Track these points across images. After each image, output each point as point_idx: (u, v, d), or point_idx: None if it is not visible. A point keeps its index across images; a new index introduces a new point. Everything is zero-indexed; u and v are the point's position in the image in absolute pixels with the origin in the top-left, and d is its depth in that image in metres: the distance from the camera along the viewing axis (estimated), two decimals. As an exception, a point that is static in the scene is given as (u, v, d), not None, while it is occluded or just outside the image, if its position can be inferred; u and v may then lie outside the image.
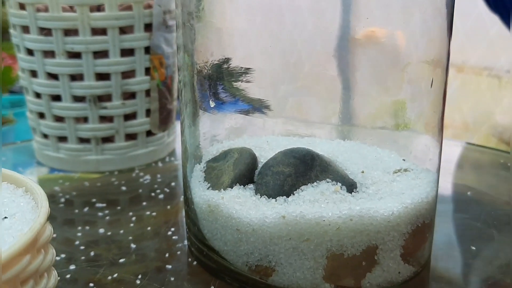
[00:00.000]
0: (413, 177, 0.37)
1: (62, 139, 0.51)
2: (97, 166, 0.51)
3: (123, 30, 0.48)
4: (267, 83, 0.40)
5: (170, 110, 0.54)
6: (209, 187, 0.36)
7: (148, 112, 0.51)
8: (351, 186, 0.35)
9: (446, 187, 0.49)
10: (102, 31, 0.47)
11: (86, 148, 0.50)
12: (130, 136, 0.51)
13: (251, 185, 0.36)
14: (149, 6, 0.49)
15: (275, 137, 0.43)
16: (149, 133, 0.52)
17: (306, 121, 0.43)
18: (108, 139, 0.51)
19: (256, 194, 0.35)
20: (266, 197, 0.34)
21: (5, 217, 0.24)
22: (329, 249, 0.32)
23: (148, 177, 0.50)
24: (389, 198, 0.34)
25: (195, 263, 0.37)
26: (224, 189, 0.35)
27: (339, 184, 0.35)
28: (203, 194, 0.36)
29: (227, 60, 0.38)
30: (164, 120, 0.53)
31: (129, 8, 0.48)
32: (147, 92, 0.51)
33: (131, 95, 0.50)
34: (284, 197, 0.34)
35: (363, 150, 0.41)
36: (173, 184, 0.49)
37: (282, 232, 0.32)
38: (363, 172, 0.37)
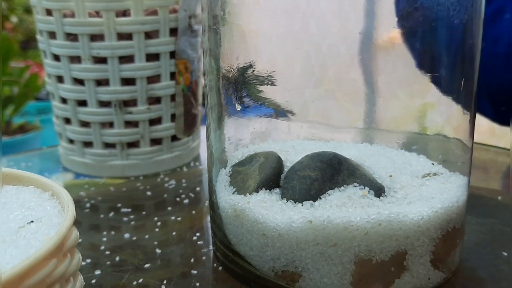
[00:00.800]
0: (443, 181, 0.36)
1: (88, 144, 0.51)
2: (122, 171, 0.51)
3: (148, 35, 0.48)
4: (291, 87, 0.39)
5: (195, 115, 0.54)
6: (234, 192, 0.36)
7: (173, 117, 0.51)
8: (379, 190, 0.34)
9: (475, 191, 0.48)
10: (128, 36, 0.47)
11: (112, 153, 0.51)
12: (155, 141, 0.51)
13: (277, 190, 0.35)
14: (174, 11, 0.49)
15: (301, 141, 0.43)
16: (174, 138, 0.52)
17: (331, 125, 0.43)
18: (133, 144, 0.51)
19: (282, 199, 0.34)
20: (293, 201, 0.34)
21: (32, 221, 0.24)
22: (357, 255, 0.32)
23: (173, 182, 0.50)
24: (419, 203, 0.33)
25: (220, 268, 0.37)
26: (250, 194, 0.35)
27: (367, 188, 0.34)
28: (228, 199, 0.35)
29: (251, 65, 0.37)
30: (189, 125, 0.53)
31: (154, 13, 0.48)
32: (172, 97, 0.51)
33: (156, 100, 0.50)
34: (311, 201, 0.33)
35: (390, 153, 0.41)
36: (198, 189, 0.49)
37: (309, 237, 0.32)
38: (391, 176, 0.36)
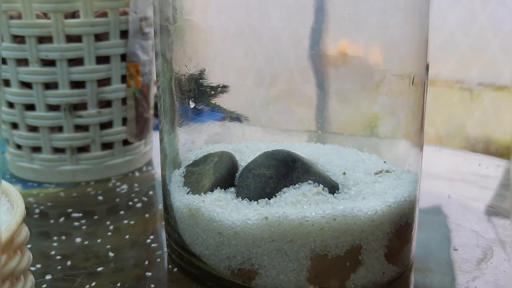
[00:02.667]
0: (395, 178, 0.36)
1: (36, 149, 0.50)
2: (73, 177, 0.50)
3: (98, 37, 0.47)
4: (242, 95, 0.40)
5: (147, 118, 0.53)
6: (189, 192, 0.36)
7: (124, 121, 0.51)
8: (333, 188, 0.35)
9: (425, 190, 0.49)
10: (77, 38, 0.47)
11: (61, 158, 0.49)
12: (106, 146, 0.51)
13: (232, 189, 0.35)
14: (125, 13, 0.48)
15: (255, 142, 0.43)
16: (125, 142, 0.52)
17: (285, 129, 0.43)
18: (83, 149, 0.50)
19: (237, 197, 0.34)
20: (248, 199, 0.34)
21: (-21, 219, 0.23)
22: (312, 250, 0.32)
23: (125, 186, 0.49)
24: (372, 198, 0.34)
25: (175, 270, 0.36)
26: (204, 193, 0.35)
27: (321, 185, 0.34)
28: (183, 198, 0.35)
29: (201, 72, 0.37)
30: (141, 129, 0.52)
31: (104, 14, 0.47)
32: (123, 101, 0.50)
33: (107, 104, 0.49)
34: (266, 199, 0.33)
35: (343, 153, 0.41)
36: (150, 193, 0.48)
37: (265, 233, 0.32)
38: (344, 173, 0.37)
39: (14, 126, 0.50)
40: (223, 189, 0.35)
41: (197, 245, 0.34)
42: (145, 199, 0.47)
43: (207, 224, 0.33)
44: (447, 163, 0.57)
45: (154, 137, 0.57)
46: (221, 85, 0.38)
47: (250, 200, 0.34)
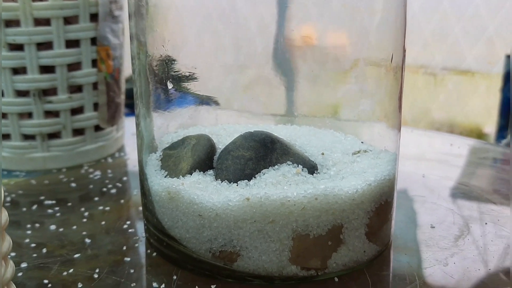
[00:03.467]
0: (373, 157, 0.36)
1: (5, 136, 0.48)
2: (43, 164, 0.49)
3: (67, 21, 0.46)
4: (212, 80, 0.39)
5: (118, 103, 0.52)
6: (166, 175, 0.35)
7: (96, 106, 0.50)
8: (312, 168, 0.35)
9: (400, 170, 0.49)
10: (46, 22, 0.45)
11: (32, 145, 0.48)
12: (78, 132, 0.49)
13: (210, 171, 0.35)
14: (94, -4, 0.47)
15: (231, 125, 0.42)
16: (97, 128, 0.51)
17: (258, 113, 0.43)
18: (54, 135, 0.49)
19: (216, 180, 0.34)
20: (228, 181, 0.33)
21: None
22: (294, 230, 0.32)
23: (98, 173, 0.49)
24: (352, 177, 0.34)
25: (154, 254, 0.36)
26: (183, 176, 0.34)
27: (300, 166, 0.34)
28: (161, 182, 0.34)
29: (171, 59, 0.37)
30: (113, 114, 0.51)
31: (73, -3, 0.46)
32: (95, 85, 0.49)
33: (77, 89, 0.48)
34: (246, 181, 0.33)
35: (320, 134, 0.41)
36: (124, 178, 0.48)
37: (246, 214, 0.31)
38: (323, 154, 0.37)
39: (-19, 113, 0.49)
40: (202, 172, 0.35)
41: (177, 229, 0.34)
42: (119, 185, 0.46)
43: (187, 207, 0.33)
44: (420, 144, 0.57)
45: (126, 122, 0.56)
46: (191, 73, 0.38)
47: (230, 182, 0.33)
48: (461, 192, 0.45)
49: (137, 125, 0.38)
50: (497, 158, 0.53)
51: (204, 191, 0.33)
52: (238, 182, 0.33)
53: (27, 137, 0.48)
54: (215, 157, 0.36)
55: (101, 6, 0.47)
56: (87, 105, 0.49)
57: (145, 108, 0.38)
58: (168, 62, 0.37)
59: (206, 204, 0.32)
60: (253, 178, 0.33)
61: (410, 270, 0.34)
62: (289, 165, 0.34)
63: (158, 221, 0.35)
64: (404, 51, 0.36)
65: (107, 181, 0.47)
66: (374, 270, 0.34)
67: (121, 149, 0.55)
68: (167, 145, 0.38)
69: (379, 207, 0.34)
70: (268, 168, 0.34)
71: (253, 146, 0.35)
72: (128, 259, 0.35)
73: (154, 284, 0.32)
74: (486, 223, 0.39)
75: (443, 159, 0.52)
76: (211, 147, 0.36)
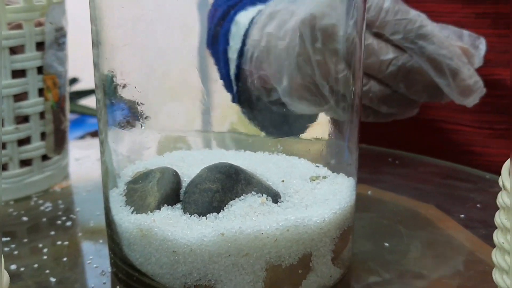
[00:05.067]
0: (331, 183, 0.38)
1: None
2: (-10, 197, 0.47)
3: (13, 50, 0.45)
4: (143, 94, 0.39)
5: (64, 131, 0.51)
6: (133, 211, 0.35)
7: (43, 135, 0.49)
8: (275, 196, 0.36)
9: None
10: (-10, 52, 0.44)
11: (-23, 179, 0.47)
12: (25, 162, 0.48)
13: (178, 205, 0.35)
14: (40, 24, 0.46)
15: (189, 152, 0.43)
16: (44, 158, 0.50)
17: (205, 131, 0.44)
18: (1, 167, 0.47)
19: (185, 213, 0.34)
20: (197, 215, 0.34)
21: None
22: (268, 261, 0.33)
23: (48, 204, 0.48)
24: (316, 206, 0.35)
25: (124, 290, 0.36)
26: (151, 211, 0.35)
27: (264, 195, 0.35)
28: (131, 218, 0.35)
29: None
30: (59, 142, 0.51)
31: (19, 26, 0.45)
32: (41, 115, 0.48)
33: (24, 119, 0.47)
34: (215, 213, 0.34)
35: (275, 159, 0.42)
36: (77, 209, 0.47)
37: (221, 249, 0.32)
38: (283, 181, 0.38)
39: None
40: (170, 206, 0.35)
41: (149, 265, 0.34)
42: (73, 216, 0.46)
43: (160, 243, 0.33)
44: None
45: (70, 150, 0.55)
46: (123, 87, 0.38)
47: (199, 216, 0.34)
48: (406, 207, 0.47)
49: (102, 152, 0.38)
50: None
51: (177, 227, 0.33)
52: (207, 216, 0.34)
53: (-28, 170, 0.47)
54: (182, 190, 0.36)
55: (47, 35, 0.47)
56: (34, 135, 0.48)
57: (104, 135, 0.38)
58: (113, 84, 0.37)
59: (181, 241, 0.33)
60: (221, 210, 0.34)
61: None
62: (254, 195, 0.35)
63: (127, 256, 0.36)
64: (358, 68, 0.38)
65: (59, 213, 0.46)
66: (341, 294, 0.36)
67: (67, 177, 0.54)
68: (129, 178, 0.39)
69: (343, 232, 0.36)
70: (234, 200, 0.35)
71: (219, 178, 0.35)
72: (99, 297, 0.35)
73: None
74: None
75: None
76: (177, 180, 0.37)
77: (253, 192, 0.35)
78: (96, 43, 0.36)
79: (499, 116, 0.59)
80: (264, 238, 0.32)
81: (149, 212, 0.35)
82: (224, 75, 0.46)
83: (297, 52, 0.47)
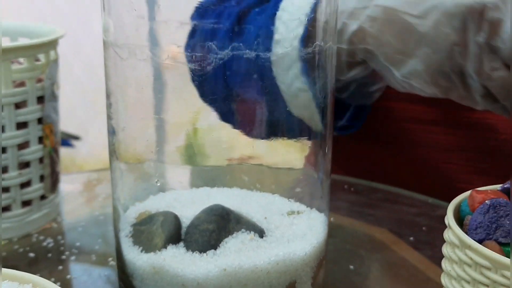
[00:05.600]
0: (306, 218, 0.45)
1: (-44, 213, 0.51)
2: (-5, 236, 0.52)
3: (17, 105, 0.50)
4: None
5: (58, 172, 0.57)
6: (142, 250, 0.42)
7: (41, 178, 0.54)
8: (261, 232, 0.43)
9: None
10: (-2, 108, 0.49)
11: (-16, 220, 0.52)
12: (26, 203, 0.54)
13: (180, 243, 0.42)
14: (39, 80, 0.52)
15: (180, 192, 0.49)
16: (42, 197, 0.55)
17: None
18: (5, 208, 0.52)
19: (187, 251, 0.41)
20: (198, 252, 0.41)
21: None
22: (261, 290, 0.40)
23: (50, 240, 0.53)
24: (297, 241, 0.42)
25: (136, 317, 0.42)
26: (159, 250, 0.41)
27: (252, 232, 0.42)
28: (142, 257, 0.41)
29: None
30: (55, 182, 0.56)
31: (22, 84, 0.50)
32: (40, 160, 0.53)
33: (25, 165, 0.52)
34: (213, 250, 0.41)
35: (255, 197, 0.49)
36: (77, 244, 0.53)
37: (224, 282, 0.39)
38: (265, 218, 0.45)
39: None
40: (174, 245, 0.42)
41: (161, 297, 0.41)
42: (76, 251, 0.51)
43: (171, 279, 0.40)
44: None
45: (61, 188, 0.60)
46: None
47: (200, 252, 0.41)
48: (365, 229, 0.55)
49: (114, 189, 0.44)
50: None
51: (184, 264, 0.40)
52: (207, 252, 0.41)
53: (-21, 213, 0.52)
54: (183, 231, 0.43)
55: (46, 89, 0.52)
56: (34, 178, 0.53)
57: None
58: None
59: (189, 276, 0.39)
60: (218, 247, 0.41)
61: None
62: (243, 232, 0.42)
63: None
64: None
65: (62, 248, 0.52)
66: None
67: (59, 213, 0.59)
68: (134, 221, 0.45)
69: (319, 262, 0.43)
70: (228, 237, 0.42)
71: (214, 219, 0.42)
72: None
73: None
74: None
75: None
76: (178, 221, 0.43)
77: (242, 230, 0.42)
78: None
79: (483, 155, 0.61)
80: (259, 271, 0.39)
81: (157, 251, 0.41)
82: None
83: (452, 41, 0.43)
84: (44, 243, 0.53)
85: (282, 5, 0.43)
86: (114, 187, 0.45)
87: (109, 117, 0.43)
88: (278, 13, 0.43)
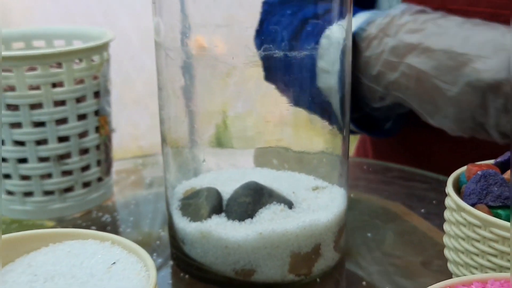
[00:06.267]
0: (329, 193, 0.53)
1: (28, 194, 0.60)
2: (60, 213, 0.61)
3: (78, 100, 0.59)
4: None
5: (111, 158, 0.65)
6: (190, 220, 0.50)
7: (98, 163, 0.62)
8: (290, 204, 0.51)
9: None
10: (62, 103, 0.58)
11: (51, 199, 0.60)
12: (86, 184, 0.62)
13: (222, 214, 0.50)
14: (95, 78, 0.60)
15: (219, 172, 0.57)
16: (99, 179, 0.63)
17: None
18: (69, 189, 0.61)
19: (228, 220, 0.49)
20: (238, 220, 0.48)
21: (114, 262, 0.36)
22: (291, 251, 0.48)
23: (107, 215, 0.61)
24: (321, 211, 0.50)
25: (187, 276, 0.50)
26: (205, 219, 0.49)
27: (282, 204, 0.50)
28: (191, 225, 0.49)
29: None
30: (109, 167, 0.64)
31: (82, 81, 0.58)
32: (97, 147, 0.62)
33: (85, 151, 0.61)
34: (250, 219, 0.48)
35: (283, 175, 0.57)
36: (131, 219, 0.61)
37: (260, 244, 0.47)
38: (293, 192, 0.53)
39: (6, 176, 0.60)
40: (217, 215, 0.50)
41: (207, 257, 0.49)
42: (130, 224, 0.60)
43: (216, 242, 0.48)
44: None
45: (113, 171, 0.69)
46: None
47: (240, 221, 0.48)
48: (376, 202, 0.63)
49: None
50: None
51: (226, 230, 0.48)
52: (246, 220, 0.48)
53: (47, 193, 0.60)
54: (224, 203, 0.51)
55: (101, 85, 0.60)
56: (92, 163, 0.62)
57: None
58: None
59: (231, 239, 0.47)
60: (254, 216, 0.49)
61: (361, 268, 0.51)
62: (275, 204, 0.50)
63: (187, 252, 0.50)
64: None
65: (118, 222, 0.60)
66: (340, 271, 0.51)
67: (112, 194, 0.67)
68: (182, 196, 0.53)
69: (340, 228, 0.51)
70: (262, 208, 0.49)
71: (250, 193, 0.50)
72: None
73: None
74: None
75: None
76: (219, 196, 0.51)
77: (274, 202, 0.50)
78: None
79: None
80: (289, 235, 0.47)
81: (203, 220, 0.49)
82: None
83: (475, 105, 0.51)
84: (103, 218, 0.61)
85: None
86: (165, 169, 0.53)
87: (160, 108, 0.51)
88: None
